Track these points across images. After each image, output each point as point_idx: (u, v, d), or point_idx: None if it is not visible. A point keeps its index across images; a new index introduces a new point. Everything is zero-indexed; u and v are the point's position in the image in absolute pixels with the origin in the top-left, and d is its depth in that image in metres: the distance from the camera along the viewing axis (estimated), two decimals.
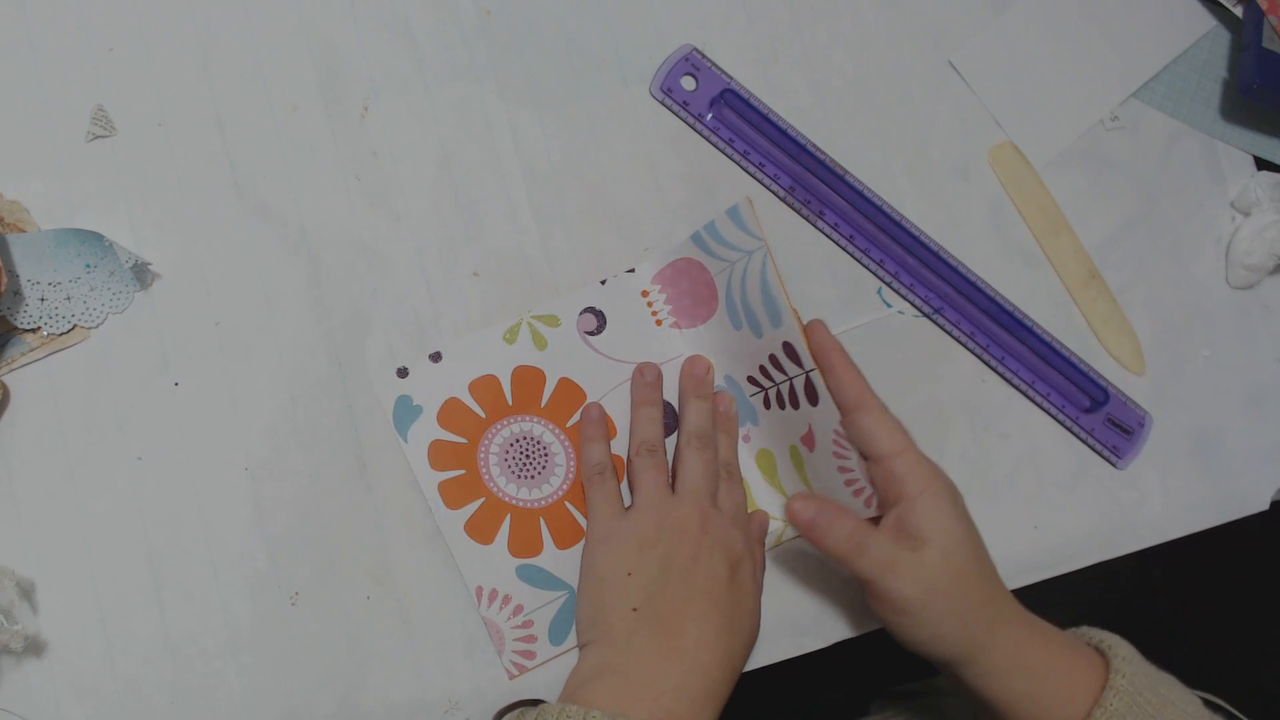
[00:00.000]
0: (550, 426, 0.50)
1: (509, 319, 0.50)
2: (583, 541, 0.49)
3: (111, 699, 0.44)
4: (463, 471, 0.48)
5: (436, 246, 0.50)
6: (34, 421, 0.46)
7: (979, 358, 0.55)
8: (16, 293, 0.45)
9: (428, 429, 0.48)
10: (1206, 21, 0.60)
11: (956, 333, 0.55)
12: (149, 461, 0.46)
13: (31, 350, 0.46)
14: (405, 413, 0.48)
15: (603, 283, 0.51)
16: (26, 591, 0.44)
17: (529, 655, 0.48)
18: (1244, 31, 0.57)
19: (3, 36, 0.48)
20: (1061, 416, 0.55)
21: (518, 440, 0.49)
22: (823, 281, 0.54)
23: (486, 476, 0.49)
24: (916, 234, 0.54)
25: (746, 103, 0.54)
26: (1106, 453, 0.55)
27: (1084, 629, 0.46)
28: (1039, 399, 0.55)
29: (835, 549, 0.44)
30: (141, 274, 0.47)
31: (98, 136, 0.48)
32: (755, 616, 0.48)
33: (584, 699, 0.42)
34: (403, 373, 0.49)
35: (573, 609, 0.48)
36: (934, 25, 0.57)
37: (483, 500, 0.48)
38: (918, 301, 0.54)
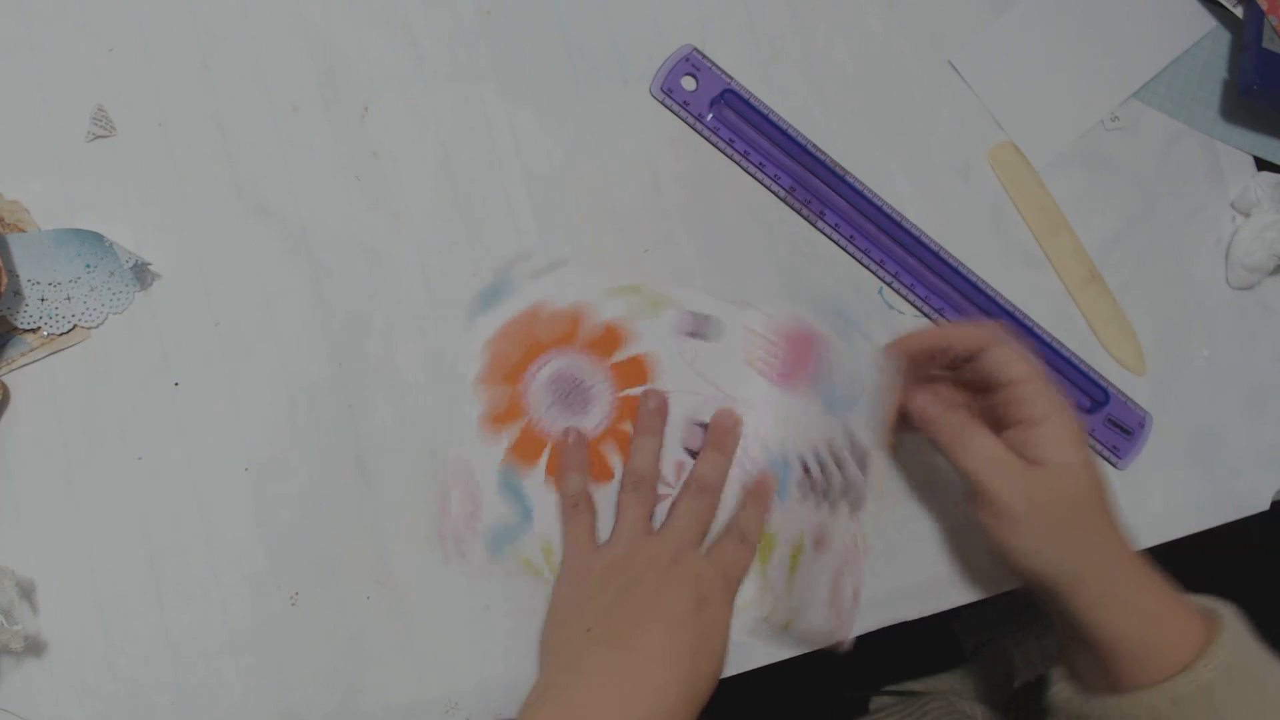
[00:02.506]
0: (607, 377, 0.50)
1: (632, 279, 0.51)
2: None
3: (111, 699, 0.44)
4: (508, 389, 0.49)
5: (436, 246, 0.50)
6: (34, 421, 0.46)
7: None
8: (16, 293, 0.45)
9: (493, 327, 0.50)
10: (1206, 22, 0.60)
11: None
12: (149, 461, 0.46)
13: (31, 350, 0.46)
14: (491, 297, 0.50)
15: (725, 301, 0.52)
16: (26, 591, 0.44)
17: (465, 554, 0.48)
18: (1244, 32, 0.57)
19: (3, 36, 0.48)
20: None
21: (562, 376, 0.50)
22: (823, 282, 0.54)
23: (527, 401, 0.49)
24: (917, 234, 0.54)
25: (747, 103, 0.54)
26: (1106, 453, 0.55)
27: (1199, 597, 0.44)
28: None
29: (941, 437, 0.45)
30: (141, 274, 0.47)
31: (98, 136, 0.48)
32: (719, 658, 0.45)
33: None
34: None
35: (516, 531, 0.48)
36: (934, 25, 0.57)
37: (525, 422, 0.49)
38: (918, 302, 0.54)
